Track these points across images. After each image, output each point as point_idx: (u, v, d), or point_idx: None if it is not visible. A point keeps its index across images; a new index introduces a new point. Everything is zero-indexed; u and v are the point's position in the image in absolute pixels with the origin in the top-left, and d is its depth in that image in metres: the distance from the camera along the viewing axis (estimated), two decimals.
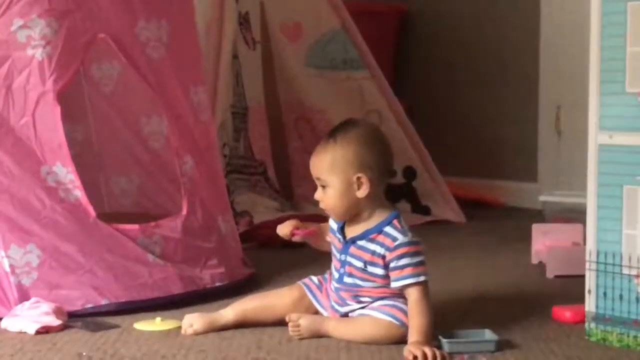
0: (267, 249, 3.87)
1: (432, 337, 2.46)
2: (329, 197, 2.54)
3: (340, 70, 4.78)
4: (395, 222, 2.53)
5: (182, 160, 3.14)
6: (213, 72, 4.27)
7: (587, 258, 2.57)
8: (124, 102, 3.58)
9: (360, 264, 2.55)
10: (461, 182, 5.12)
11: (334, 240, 2.65)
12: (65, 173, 2.88)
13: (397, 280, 2.50)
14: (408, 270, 2.48)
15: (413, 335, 2.45)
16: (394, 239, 2.50)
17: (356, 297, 2.59)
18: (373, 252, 2.53)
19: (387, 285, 2.53)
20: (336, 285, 2.62)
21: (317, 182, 2.57)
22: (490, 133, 5.30)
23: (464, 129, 5.37)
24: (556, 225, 3.72)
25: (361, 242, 2.55)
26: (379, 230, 2.53)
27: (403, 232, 2.51)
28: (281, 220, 2.72)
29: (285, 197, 4.63)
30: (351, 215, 2.57)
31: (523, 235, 3.79)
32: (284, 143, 4.83)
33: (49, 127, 2.88)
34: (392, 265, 2.50)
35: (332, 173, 2.52)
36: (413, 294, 2.48)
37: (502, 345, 2.49)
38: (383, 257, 2.51)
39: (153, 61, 3.10)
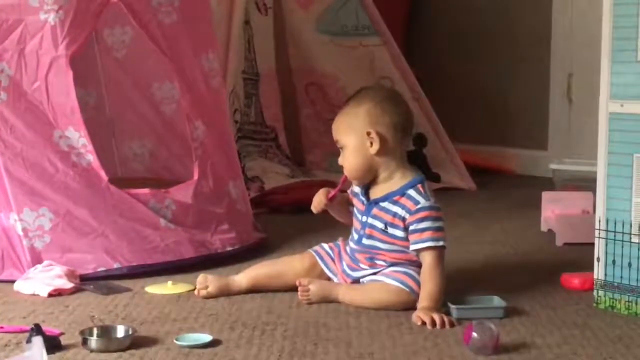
0: (278, 214, 3.89)
1: (441, 303, 2.49)
2: (346, 158, 2.59)
3: (352, 36, 4.77)
4: (419, 186, 2.56)
5: (194, 126, 3.14)
6: (224, 38, 4.27)
7: (596, 226, 2.58)
8: (136, 68, 3.58)
9: (381, 225, 2.57)
10: (472, 149, 5.12)
11: (357, 204, 2.67)
12: (78, 137, 2.90)
13: (415, 243, 2.52)
14: (428, 234, 2.51)
15: (423, 301, 2.47)
16: (416, 202, 2.53)
17: (371, 260, 2.61)
18: (394, 214, 2.55)
19: (405, 249, 2.56)
20: (354, 246, 2.64)
21: (338, 146, 2.62)
22: (501, 100, 5.29)
23: (475, 97, 5.36)
24: (566, 193, 3.72)
25: (383, 204, 2.57)
26: (402, 192, 2.55)
27: (426, 197, 2.54)
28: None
29: (296, 163, 4.64)
30: (369, 176, 2.60)
31: (533, 202, 3.80)
32: (295, 109, 4.83)
33: (62, 91, 2.89)
34: (412, 227, 2.52)
35: (346, 133, 2.59)
36: (428, 259, 2.51)
37: (510, 312, 2.51)
38: (404, 219, 2.53)
39: (165, 26, 3.10)
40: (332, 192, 2.67)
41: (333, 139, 2.66)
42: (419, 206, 2.52)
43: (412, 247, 2.53)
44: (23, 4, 2.87)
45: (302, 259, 2.74)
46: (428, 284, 2.49)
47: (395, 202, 2.56)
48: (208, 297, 2.66)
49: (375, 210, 2.59)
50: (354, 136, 2.58)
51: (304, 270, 2.71)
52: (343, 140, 2.60)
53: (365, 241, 2.61)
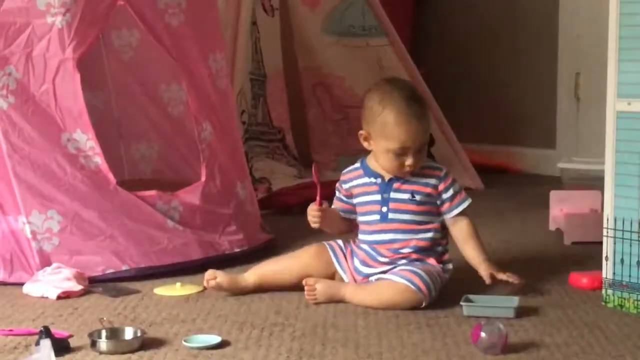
0: (286, 215, 3.89)
1: None
2: (423, 155, 2.66)
3: (359, 37, 4.76)
4: (427, 160, 2.72)
5: (201, 127, 3.15)
6: (231, 39, 4.27)
7: (604, 225, 2.57)
8: (144, 69, 3.59)
9: (406, 196, 2.65)
10: (479, 148, 5.11)
11: (365, 189, 2.69)
12: (86, 140, 2.90)
13: (455, 207, 2.68)
14: (462, 196, 2.69)
15: (481, 255, 2.68)
16: (439, 169, 2.69)
17: (396, 251, 2.64)
18: (421, 184, 2.66)
19: (432, 215, 2.67)
20: (373, 237, 2.66)
21: (417, 149, 2.61)
22: (509, 100, 5.28)
23: (482, 96, 5.35)
24: (574, 192, 3.72)
25: (407, 177, 2.66)
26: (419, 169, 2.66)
27: (437, 163, 2.77)
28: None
29: (303, 163, 4.64)
30: None
31: (541, 201, 3.80)
32: (302, 110, 4.83)
33: (69, 94, 2.90)
34: (446, 195, 2.67)
35: (427, 134, 2.66)
36: (466, 218, 2.69)
37: (521, 312, 2.51)
38: (436, 187, 2.66)
39: (172, 28, 3.11)
40: (317, 198, 2.70)
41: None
42: (444, 172, 2.69)
43: (453, 212, 2.68)
44: (30, 7, 2.88)
45: (309, 249, 2.77)
46: (476, 239, 2.70)
47: (416, 174, 2.66)
48: (217, 288, 2.67)
49: (397, 185, 2.66)
50: (427, 136, 2.67)
51: (309, 256, 2.74)
52: (425, 141, 2.65)
53: (391, 216, 2.65)
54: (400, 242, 2.65)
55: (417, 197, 2.65)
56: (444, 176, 2.68)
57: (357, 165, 2.74)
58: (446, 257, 2.70)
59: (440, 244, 2.69)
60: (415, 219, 2.65)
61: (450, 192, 2.67)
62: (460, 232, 2.69)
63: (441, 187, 2.67)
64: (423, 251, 2.65)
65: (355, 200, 2.73)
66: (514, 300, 2.52)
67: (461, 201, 2.68)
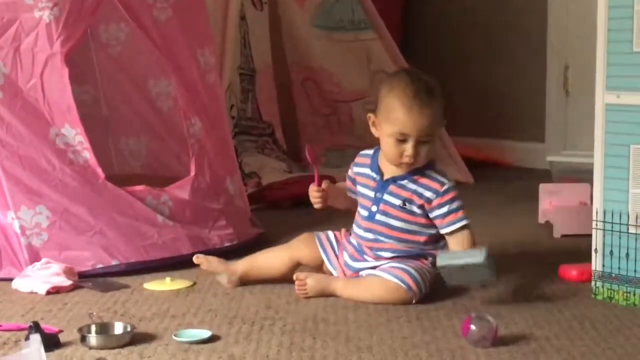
0: (275, 210, 3.89)
1: None
2: (427, 151, 2.59)
3: (348, 31, 4.76)
4: (436, 165, 2.63)
5: (190, 122, 3.14)
6: (220, 34, 4.26)
7: (593, 217, 2.58)
8: (132, 64, 3.58)
9: (398, 202, 2.59)
10: (468, 142, 5.11)
11: (365, 181, 2.67)
12: (74, 135, 2.90)
13: (452, 223, 2.57)
14: (460, 214, 2.58)
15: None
16: (442, 183, 2.59)
17: (376, 252, 2.62)
18: (417, 193, 2.59)
19: (417, 227, 2.60)
20: (361, 233, 2.65)
21: (418, 139, 2.56)
22: (498, 93, 5.29)
23: (471, 89, 5.36)
24: (563, 185, 3.72)
25: (403, 182, 2.60)
26: (422, 172, 2.60)
27: (446, 177, 2.62)
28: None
29: (292, 158, 4.64)
30: None
31: (530, 195, 3.80)
32: (291, 104, 4.82)
33: (57, 89, 2.89)
34: (443, 210, 2.57)
35: (439, 126, 2.61)
36: (465, 234, 2.58)
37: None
38: (429, 200, 2.57)
39: (160, 23, 3.10)
40: (315, 178, 2.68)
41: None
42: (445, 187, 2.59)
43: (448, 228, 2.58)
44: (18, 2, 2.87)
45: (298, 238, 2.77)
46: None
47: (415, 181, 2.60)
48: (209, 268, 2.71)
49: (392, 187, 2.61)
50: (441, 128, 2.64)
51: (299, 242, 2.75)
52: (434, 133, 2.59)
53: (379, 217, 2.63)
54: (382, 244, 2.63)
55: (408, 206, 2.59)
56: (443, 192, 2.58)
57: (370, 152, 2.70)
58: None
59: (430, 254, 2.63)
60: (402, 227, 2.61)
61: (444, 209, 2.58)
62: (454, 245, 2.60)
63: (436, 202, 2.58)
64: (407, 258, 2.61)
65: (357, 188, 2.71)
66: (483, 250, 2.49)
67: (455, 221, 2.57)
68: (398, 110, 2.55)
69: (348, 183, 2.75)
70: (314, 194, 2.69)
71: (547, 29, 5.06)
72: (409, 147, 2.55)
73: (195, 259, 2.74)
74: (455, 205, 2.58)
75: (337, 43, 4.75)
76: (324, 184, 2.70)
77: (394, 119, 2.55)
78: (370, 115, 2.64)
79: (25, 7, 2.87)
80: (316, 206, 2.70)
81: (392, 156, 2.59)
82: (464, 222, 2.58)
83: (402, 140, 2.55)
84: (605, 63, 2.52)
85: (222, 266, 2.73)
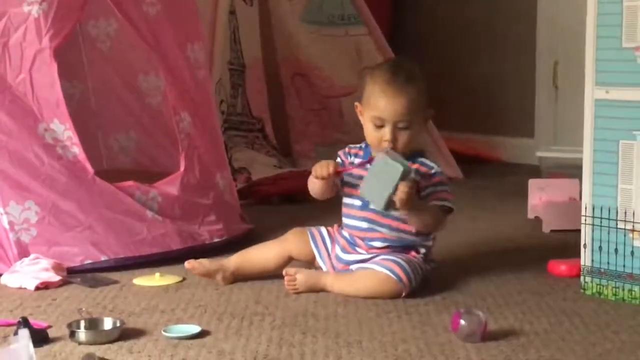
0: (265, 205, 3.89)
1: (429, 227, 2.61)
2: (408, 136, 2.61)
3: (338, 25, 4.76)
4: (428, 157, 2.68)
5: (180, 117, 3.14)
6: (210, 29, 4.26)
7: (583, 212, 2.58)
8: (121, 59, 3.57)
9: None
10: (458, 137, 5.12)
11: (358, 172, 2.66)
12: (63, 130, 2.89)
13: (434, 201, 2.61)
14: (444, 195, 2.63)
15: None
16: (430, 167, 2.64)
17: (368, 242, 2.62)
18: None
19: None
20: (355, 223, 2.65)
21: (395, 124, 2.58)
22: (488, 88, 5.29)
23: (461, 85, 5.36)
24: (553, 181, 3.73)
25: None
26: (412, 160, 2.62)
27: (436, 164, 2.67)
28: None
29: (282, 153, 4.64)
30: None
31: (520, 190, 3.81)
32: (281, 100, 4.82)
33: (46, 84, 2.88)
34: (429, 190, 2.61)
35: (417, 112, 2.62)
36: (441, 213, 2.61)
37: (499, 300, 2.50)
38: (417, 183, 2.59)
39: (149, 18, 3.09)
40: (344, 168, 2.66)
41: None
42: (433, 171, 2.64)
43: (427, 200, 2.61)
44: None
45: (291, 231, 2.77)
46: (431, 211, 2.59)
47: None
48: (202, 271, 2.68)
49: None
50: (422, 114, 2.64)
51: (291, 235, 2.75)
52: (412, 119, 2.60)
53: (372, 205, 2.63)
54: (375, 233, 2.63)
55: None
56: (432, 175, 2.62)
57: (362, 145, 2.73)
58: (430, 256, 2.69)
59: (423, 246, 2.65)
60: (395, 215, 2.61)
61: (429, 190, 2.62)
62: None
63: (423, 184, 2.61)
64: (399, 249, 2.62)
65: (345, 178, 2.71)
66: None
67: (446, 200, 2.62)
68: (375, 95, 2.60)
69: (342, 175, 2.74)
70: (330, 170, 2.60)
71: (536, 25, 5.07)
72: (386, 132, 2.59)
73: (186, 265, 2.71)
74: (439, 188, 2.63)
75: (326, 38, 4.75)
76: (341, 175, 2.67)
77: (372, 105, 2.61)
78: (357, 104, 2.69)
79: (13, 2, 2.86)
80: (318, 174, 2.61)
81: (373, 141, 2.63)
82: (444, 204, 2.61)
83: (380, 125, 2.59)
84: (595, 59, 2.53)
85: (214, 266, 2.72)
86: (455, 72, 5.38)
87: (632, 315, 2.41)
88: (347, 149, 2.75)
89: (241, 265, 2.74)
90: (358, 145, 2.74)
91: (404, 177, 2.49)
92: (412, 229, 2.62)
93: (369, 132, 2.63)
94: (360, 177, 2.63)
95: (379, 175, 2.52)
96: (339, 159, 2.73)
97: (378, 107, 2.59)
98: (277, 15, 4.73)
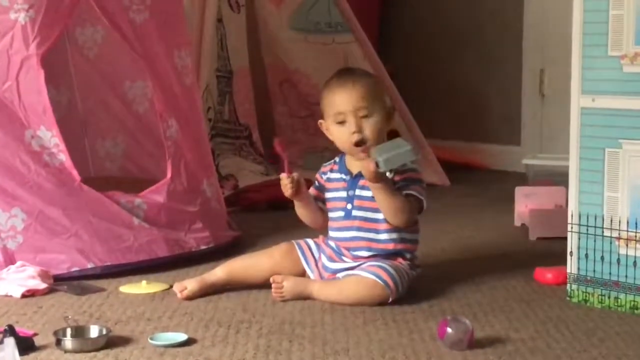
0: (252, 212, 3.89)
1: (399, 210, 2.57)
2: (373, 125, 2.60)
3: (325, 33, 4.77)
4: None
5: (167, 124, 3.14)
6: (197, 36, 4.26)
7: (569, 220, 2.59)
8: (108, 66, 3.57)
9: (370, 193, 2.60)
10: (445, 145, 5.13)
11: (336, 185, 2.68)
12: (50, 137, 2.88)
13: (403, 190, 2.59)
14: (415, 188, 2.61)
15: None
16: (403, 165, 2.59)
17: (354, 252, 2.63)
18: None
19: None
20: (338, 234, 2.66)
21: (356, 114, 2.59)
22: (474, 96, 5.31)
23: (448, 92, 5.38)
24: (539, 188, 3.74)
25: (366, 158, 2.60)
26: None
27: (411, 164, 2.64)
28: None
29: (270, 160, 4.63)
30: None
31: (506, 197, 3.81)
32: (268, 107, 4.83)
33: (33, 91, 2.87)
34: (400, 184, 2.59)
35: (375, 100, 2.62)
36: (408, 199, 2.59)
37: (486, 308, 2.51)
38: (393, 180, 2.57)
39: (136, 25, 3.09)
40: (285, 168, 2.66)
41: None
42: (405, 168, 2.60)
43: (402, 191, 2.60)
44: None
45: (279, 247, 2.76)
46: (401, 197, 2.58)
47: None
48: (190, 296, 2.64)
49: (363, 182, 2.62)
50: (381, 104, 2.63)
51: (279, 255, 2.73)
52: (371, 106, 2.61)
53: (355, 213, 2.64)
54: (360, 242, 2.64)
55: None
56: (404, 171, 2.61)
57: (336, 159, 2.74)
58: (416, 262, 2.69)
59: (408, 251, 2.66)
60: (378, 218, 2.62)
61: (408, 183, 2.61)
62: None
63: (398, 179, 2.59)
64: (385, 256, 2.63)
65: (326, 195, 2.72)
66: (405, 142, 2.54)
67: (416, 191, 2.60)
68: (330, 96, 2.63)
69: (314, 191, 2.75)
70: (285, 182, 2.66)
71: (522, 33, 5.09)
72: (350, 123, 2.60)
73: (175, 289, 2.67)
74: (410, 183, 2.61)
75: (314, 45, 4.76)
76: (296, 175, 2.68)
77: (330, 106, 2.63)
78: (321, 121, 2.70)
79: (0, 9, 2.85)
80: (287, 193, 2.66)
81: (344, 143, 2.63)
82: (412, 192, 2.60)
83: (342, 121, 2.61)
84: (581, 67, 2.54)
85: (199, 285, 2.67)
86: (442, 79, 5.39)
87: (618, 322, 2.42)
88: (321, 169, 2.77)
89: (229, 281, 2.71)
90: (332, 161, 2.76)
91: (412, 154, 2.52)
92: (389, 225, 2.61)
93: (337, 135, 2.64)
94: (334, 190, 2.67)
95: (390, 144, 2.52)
96: (316, 182, 2.75)
97: (335, 103, 2.62)
98: (264, 23, 4.74)
